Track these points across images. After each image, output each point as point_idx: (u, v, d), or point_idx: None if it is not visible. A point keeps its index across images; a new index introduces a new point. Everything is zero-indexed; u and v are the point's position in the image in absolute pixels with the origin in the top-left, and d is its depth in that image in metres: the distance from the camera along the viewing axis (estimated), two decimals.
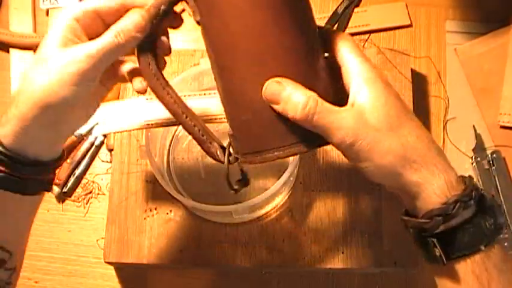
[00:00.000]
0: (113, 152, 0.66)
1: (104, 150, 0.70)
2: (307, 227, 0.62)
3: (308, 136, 0.40)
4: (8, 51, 0.75)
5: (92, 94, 0.43)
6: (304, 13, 0.40)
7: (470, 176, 0.41)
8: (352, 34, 0.74)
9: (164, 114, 0.54)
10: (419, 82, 0.71)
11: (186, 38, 0.75)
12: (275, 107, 0.39)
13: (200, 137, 0.45)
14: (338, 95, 0.42)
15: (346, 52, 0.41)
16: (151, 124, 0.54)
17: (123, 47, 0.42)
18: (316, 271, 0.64)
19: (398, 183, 0.40)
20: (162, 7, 0.42)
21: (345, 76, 0.41)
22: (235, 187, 0.46)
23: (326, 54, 0.43)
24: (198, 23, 0.41)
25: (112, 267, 0.65)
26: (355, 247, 0.61)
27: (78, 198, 0.68)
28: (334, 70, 0.42)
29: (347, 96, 0.41)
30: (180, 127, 0.66)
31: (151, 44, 0.43)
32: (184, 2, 0.42)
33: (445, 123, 0.70)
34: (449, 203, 0.38)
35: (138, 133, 0.64)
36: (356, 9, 0.75)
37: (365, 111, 0.39)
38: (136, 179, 0.64)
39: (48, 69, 0.40)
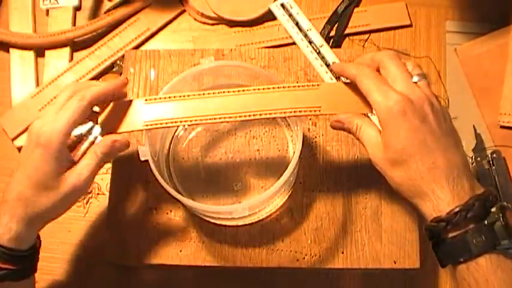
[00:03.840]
0: None
1: None
2: (307, 227, 0.62)
3: None
4: (8, 51, 0.75)
5: None
6: None
7: (482, 195, 0.46)
8: (352, 34, 0.74)
9: (164, 114, 0.54)
10: None
11: (186, 38, 0.76)
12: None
13: None
14: None
15: (365, 87, 0.50)
16: (151, 124, 0.54)
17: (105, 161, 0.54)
18: (316, 271, 0.64)
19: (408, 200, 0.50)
20: None
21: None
22: None
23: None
24: None
25: (112, 267, 0.65)
26: (355, 247, 0.61)
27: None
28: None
29: None
30: (181, 127, 0.66)
31: None
32: None
33: None
34: (433, 222, 0.46)
35: (138, 133, 0.64)
36: (356, 9, 0.75)
37: (382, 142, 0.49)
38: (136, 179, 0.64)
39: (57, 197, 0.50)
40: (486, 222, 0.44)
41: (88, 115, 0.52)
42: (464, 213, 0.44)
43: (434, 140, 0.47)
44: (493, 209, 0.45)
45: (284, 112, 0.53)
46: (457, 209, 0.44)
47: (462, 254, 0.45)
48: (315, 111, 0.52)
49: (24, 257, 0.51)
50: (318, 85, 0.53)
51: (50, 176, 0.49)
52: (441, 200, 0.46)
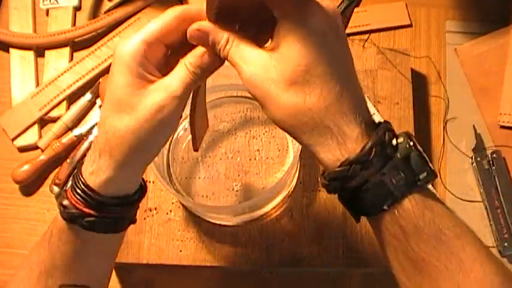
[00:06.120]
0: None
1: None
2: (307, 227, 0.62)
3: None
4: (8, 51, 0.75)
5: None
6: None
7: (379, 125, 0.38)
8: (352, 34, 0.74)
9: None
10: (419, 82, 0.71)
11: None
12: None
13: None
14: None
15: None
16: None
17: (201, 80, 0.41)
18: (316, 271, 0.64)
19: (295, 139, 0.39)
20: None
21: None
22: None
23: None
24: None
25: None
26: (355, 247, 0.61)
27: None
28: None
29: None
30: (180, 127, 0.66)
31: None
32: None
33: (445, 123, 0.70)
34: (343, 165, 0.37)
35: None
36: (356, 9, 0.75)
37: (273, 58, 0.37)
38: None
39: (137, 117, 0.39)
40: (399, 155, 0.37)
41: (176, 31, 0.41)
42: (379, 149, 0.36)
43: (343, 62, 0.38)
44: (400, 139, 0.38)
45: None
46: (369, 145, 0.36)
47: (384, 199, 0.37)
48: None
49: (114, 205, 0.41)
50: None
51: (126, 91, 0.39)
52: (348, 137, 0.37)
